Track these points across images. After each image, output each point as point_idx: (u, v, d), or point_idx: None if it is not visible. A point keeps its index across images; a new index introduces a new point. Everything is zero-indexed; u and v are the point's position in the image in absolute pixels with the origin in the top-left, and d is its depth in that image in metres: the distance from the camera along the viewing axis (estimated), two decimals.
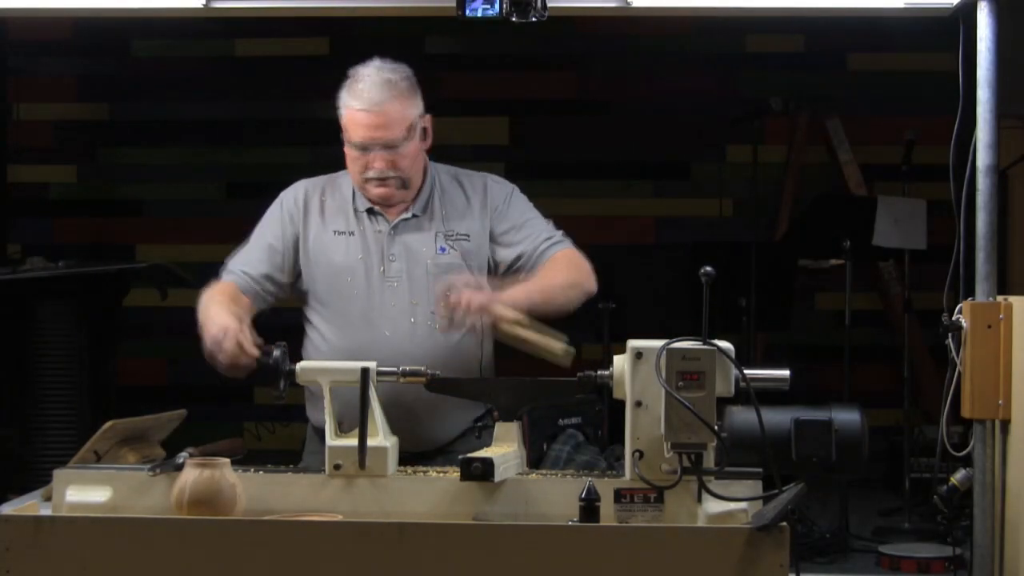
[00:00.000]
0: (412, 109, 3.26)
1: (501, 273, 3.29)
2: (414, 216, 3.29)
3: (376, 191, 3.23)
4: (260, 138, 7.26)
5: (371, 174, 3.21)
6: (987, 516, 3.04)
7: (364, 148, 3.19)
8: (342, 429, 2.79)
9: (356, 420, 2.74)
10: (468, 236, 3.29)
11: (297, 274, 3.30)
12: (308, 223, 3.30)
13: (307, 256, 3.28)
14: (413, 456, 3.00)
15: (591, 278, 3.32)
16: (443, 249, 3.26)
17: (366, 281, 3.22)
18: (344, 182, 3.35)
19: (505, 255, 3.32)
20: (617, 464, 4.18)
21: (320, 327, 3.28)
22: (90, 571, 2.37)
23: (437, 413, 3.15)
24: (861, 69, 7.20)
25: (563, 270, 3.29)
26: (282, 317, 7.08)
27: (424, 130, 3.30)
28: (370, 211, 3.29)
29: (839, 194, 6.92)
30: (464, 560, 2.34)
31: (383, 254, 3.25)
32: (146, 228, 7.30)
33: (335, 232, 3.28)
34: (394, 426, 2.83)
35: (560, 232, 3.44)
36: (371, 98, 3.19)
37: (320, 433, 3.10)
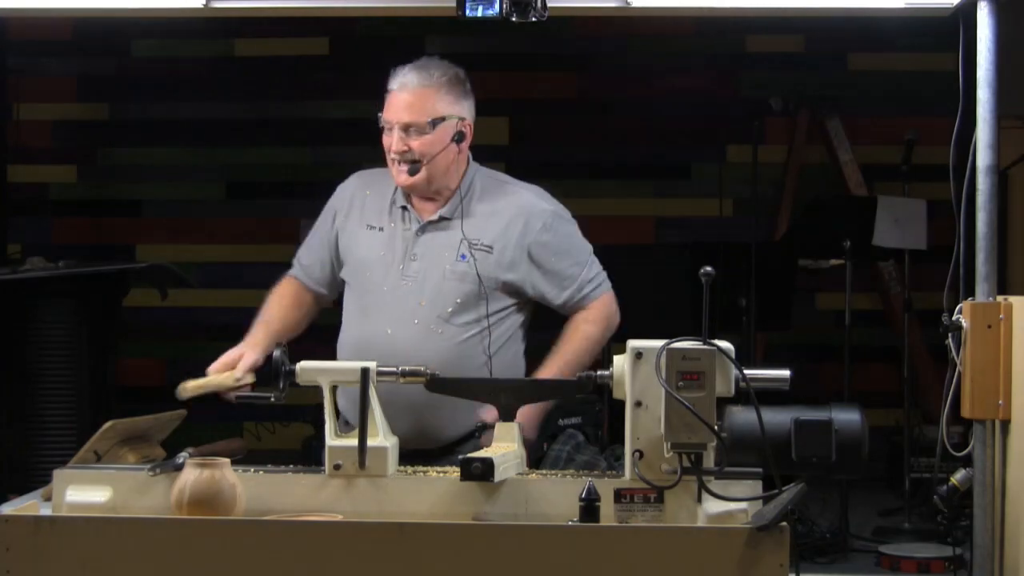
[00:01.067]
0: (446, 105, 3.26)
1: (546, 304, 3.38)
2: (442, 218, 3.28)
3: (401, 177, 3.26)
4: (260, 138, 7.26)
5: (391, 155, 3.27)
6: (987, 516, 3.04)
7: (389, 128, 3.25)
8: (348, 427, 2.84)
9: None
10: (491, 248, 3.25)
11: (338, 266, 3.41)
12: (349, 216, 3.38)
13: (341, 249, 3.39)
14: (418, 454, 3.00)
15: (616, 322, 3.42)
16: (464, 257, 3.24)
17: (383, 278, 3.25)
18: (383, 179, 3.40)
19: (549, 293, 3.34)
20: (617, 464, 4.18)
21: (344, 319, 3.36)
22: (90, 571, 2.37)
23: (442, 411, 3.15)
24: (861, 69, 7.21)
25: (597, 328, 3.36)
26: None
27: (461, 133, 3.29)
28: (404, 208, 3.31)
29: (839, 194, 6.92)
30: (464, 560, 2.34)
31: (406, 252, 3.26)
32: (146, 228, 7.30)
33: (368, 226, 3.33)
34: (399, 423, 2.84)
35: (598, 267, 3.47)
36: (404, 81, 3.25)
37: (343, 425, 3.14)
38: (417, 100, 3.23)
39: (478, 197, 3.33)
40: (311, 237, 3.46)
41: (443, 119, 3.23)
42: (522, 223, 3.29)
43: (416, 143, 3.22)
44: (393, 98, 3.25)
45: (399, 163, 3.24)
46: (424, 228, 3.27)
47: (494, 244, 3.25)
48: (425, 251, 3.25)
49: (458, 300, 3.21)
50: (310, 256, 3.43)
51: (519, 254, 3.26)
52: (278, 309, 3.37)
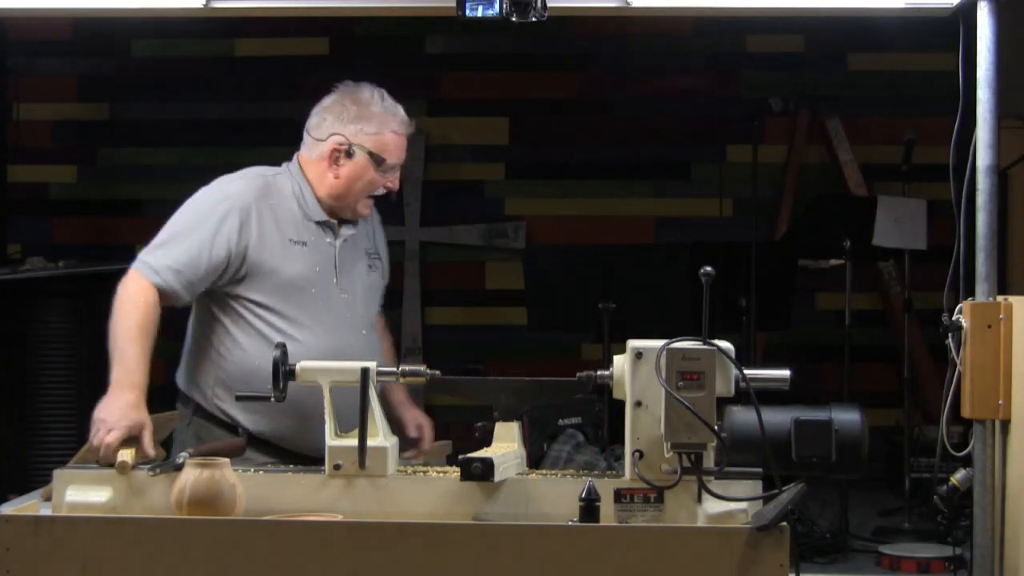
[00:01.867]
0: None
1: None
2: (352, 233, 3.41)
3: (366, 209, 3.38)
4: (260, 138, 7.24)
5: (379, 192, 3.36)
6: (987, 516, 3.04)
7: (391, 168, 3.36)
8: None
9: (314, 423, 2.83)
10: (380, 256, 3.49)
11: (233, 279, 3.25)
12: (262, 228, 3.26)
13: (261, 261, 3.24)
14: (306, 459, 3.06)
15: None
16: (371, 267, 3.44)
17: (326, 292, 3.29)
18: (284, 186, 3.36)
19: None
20: (617, 464, 4.18)
21: (266, 333, 3.23)
22: (90, 571, 2.37)
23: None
24: (861, 69, 7.20)
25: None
26: None
27: None
28: (324, 223, 3.35)
29: (839, 194, 6.91)
30: (464, 560, 2.34)
31: (335, 266, 3.33)
32: (146, 228, 7.23)
33: (291, 241, 3.28)
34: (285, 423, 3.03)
35: None
36: (406, 125, 3.42)
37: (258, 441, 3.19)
38: (405, 143, 3.43)
39: None
40: (195, 242, 3.25)
41: None
42: (382, 232, 3.56)
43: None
44: (397, 140, 3.39)
45: (374, 197, 3.38)
46: (343, 243, 3.36)
47: (380, 252, 3.49)
48: (347, 265, 3.35)
49: (375, 308, 3.45)
50: (193, 265, 3.23)
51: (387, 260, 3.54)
52: (149, 338, 3.19)
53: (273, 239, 3.25)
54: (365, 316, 3.38)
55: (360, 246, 3.42)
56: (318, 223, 3.33)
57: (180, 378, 3.42)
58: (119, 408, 2.89)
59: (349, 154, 3.32)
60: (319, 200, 3.34)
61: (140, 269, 3.23)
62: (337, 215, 3.36)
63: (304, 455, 3.10)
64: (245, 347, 3.24)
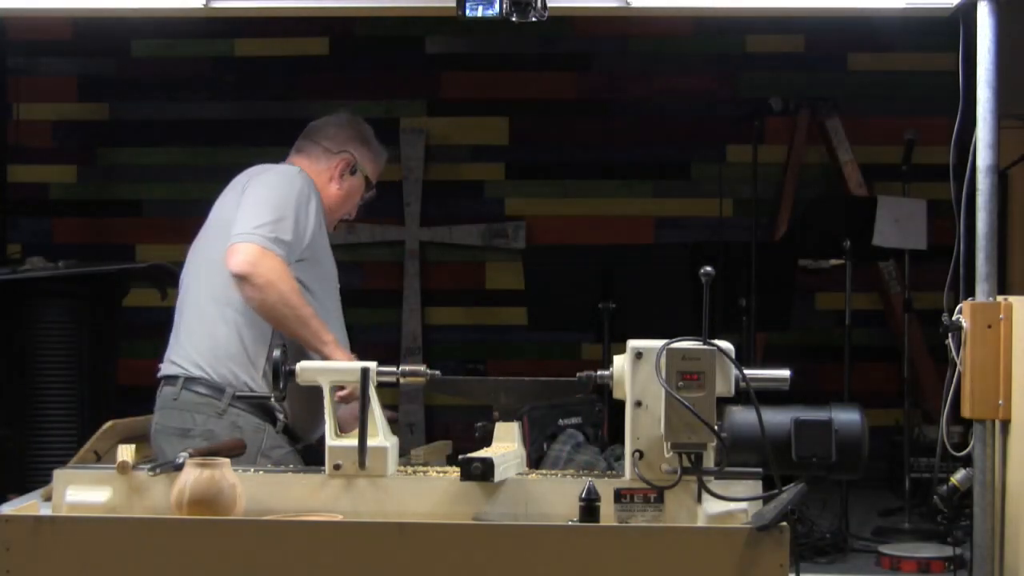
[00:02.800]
0: None
1: None
2: None
3: (353, 211, 3.71)
4: (260, 138, 7.25)
5: (362, 201, 3.71)
6: (987, 516, 3.04)
7: (371, 186, 3.69)
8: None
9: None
10: None
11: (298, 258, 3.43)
12: (320, 218, 3.49)
13: (318, 249, 3.46)
14: None
15: None
16: None
17: (336, 282, 3.58)
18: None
19: None
20: (617, 464, 4.18)
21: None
22: (90, 571, 2.37)
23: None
24: (861, 69, 7.20)
25: None
26: None
27: None
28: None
29: (839, 194, 6.91)
30: (464, 560, 2.34)
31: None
32: (146, 228, 7.30)
33: (327, 233, 3.57)
34: None
35: None
36: (383, 155, 3.76)
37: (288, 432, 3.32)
38: None
39: None
40: (292, 217, 3.36)
41: None
42: None
43: None
44: (380, 166, 3.73)
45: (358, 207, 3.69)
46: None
47: None
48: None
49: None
50: (296, 238, 3.36)
51: None
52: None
53: (321, 229, 3.49)
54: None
55: None
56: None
57: (206, 368, 3.37)
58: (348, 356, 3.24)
59: (353, 172, 3.61)
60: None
61: (266, 245, 3.29)
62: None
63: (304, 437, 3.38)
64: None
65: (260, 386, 3.30)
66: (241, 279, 3.24)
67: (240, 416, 3.29)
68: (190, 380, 3.35)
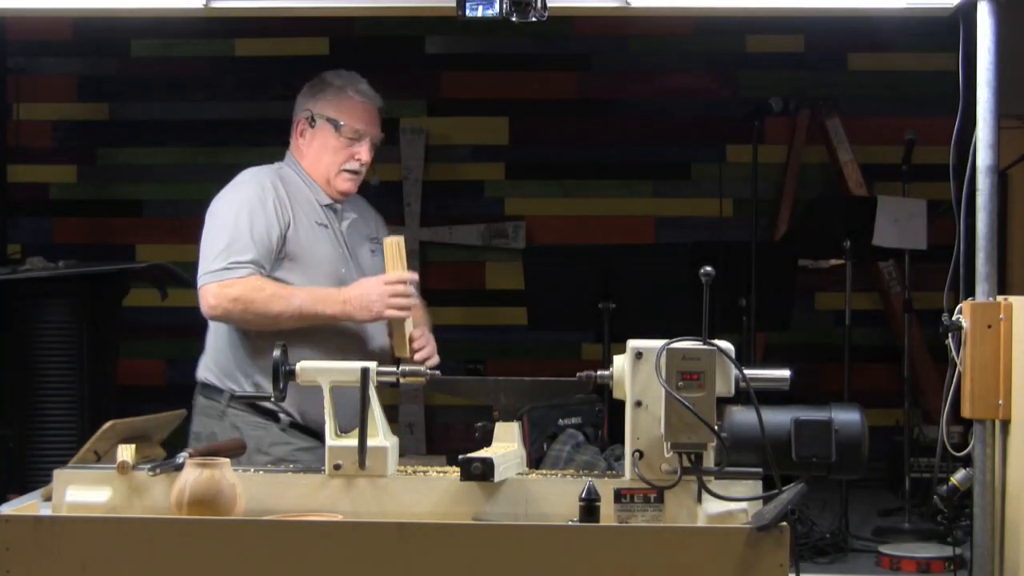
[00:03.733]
0: None
1: None
2: (355, 218, 3.54)
3: (345, 185, 3.47)
4: (260, 138, 7.24)
5: (352, 165, 3.46)
6: (987, 516, 3.04)
7: (357, 138, 3.45)
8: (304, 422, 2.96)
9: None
10: (379, 240, 3.54)
11: (276, 259, 3.36)
12: (295, 207, 3.40)
13: (297, 242, 3.36)
14: None
15: None
16: (373, 252, 3.54)
17: (341, 273, 3.41)
18: (292, 176, 3.48)
19: None
20: (617, 464, 4.18)
21: None
22: (90, 571, 2.37)
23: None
24: (861, 69, 7.20)
25: None
26: None
27: None
28: (329, 207, 3.48)
29: (839, 194, 6.92)
30: (464, 560, 2.34)
31: (349, 247, 3.48)
32: (146, 228, 7.30)
33: (315, 222, 3.42)
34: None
35: None
36: (372, 95, 3.52)
37: (300, 427, 3.31)
38: (378, 117, 3.53)
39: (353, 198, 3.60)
40: (261, 227, 3.33)
41: None
42: (382, 221, 3.69)
43: (371, 157, 3.50)
44: (361, 109, 3.50)
45: (350, 172, 3.46)
46: (348, 227, 3.49)
47: (379, 238, 3.55)
48: (354, 249, 3.50)
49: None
50: (260, 250, 3.31)
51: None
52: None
53: (303, 222, 3.39)
54: None
55: (361, 231, 3.55)
56: (327, 207, 3.47)
57: (208, 372, 3.44)
58: (365, 296, 3.24)
59: (312, 123, 3.49)
60: (319, 185, 3.49)
61: (221, 277, 3.26)
62: (337, 200, 3.50)
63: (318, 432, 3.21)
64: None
65: (262, 384, 3.31)
66: (218, 320, 3.31)
67: (238, 416, 3.33)
68: (201, 385, 3.46)
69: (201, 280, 3.29)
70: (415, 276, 3.32)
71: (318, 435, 3.26)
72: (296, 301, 3.25)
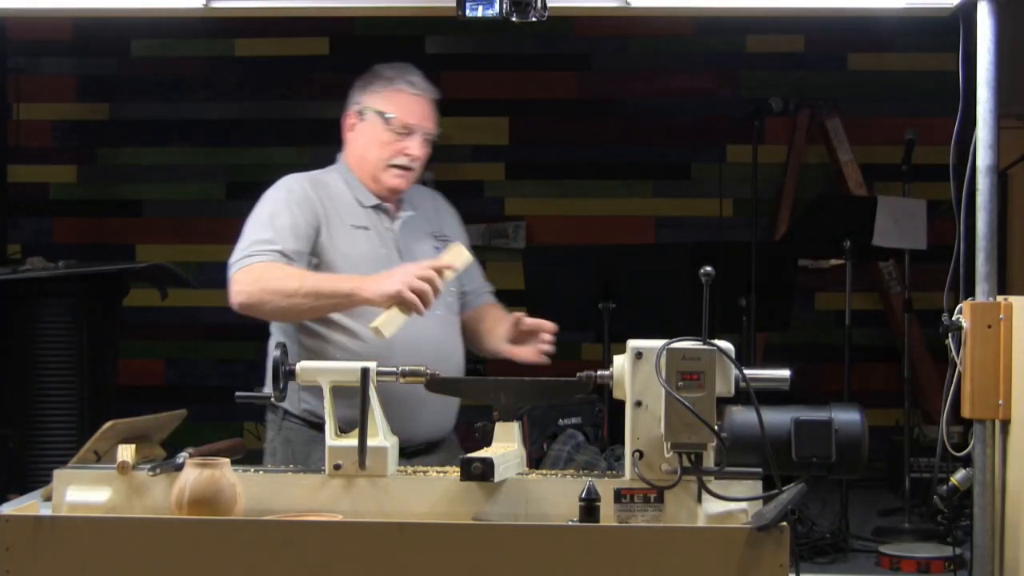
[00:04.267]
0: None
1: None
2: (411, 215, 3.39)
3: (395, 180, 3.32)
4: (260, 138, 7.26)
5: (402, 160, 3.31)
6: (987, 516, 3.04)
7: (408, 132, 3.31)
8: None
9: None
10: (449, 237, 3.42)
11: (309, 265, 3.23)
12: (327, 211, 3.28)
13: (331, 246, 3.24)
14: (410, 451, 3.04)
15: None
16: (438, 249, 3.35)
17: None
18: (336, 179, 3.38)
19: (474, 282, 3.51)
20: (617, 464, 4.18)
21: (345, 323, 3.21)
22: (90, 571, 2.37)
23: (427, 407, 3.18)
24: (861, 69, 7.21)
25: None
26: None
27: None
28: (376, 207, 3.34)
29: (839, 194, 6.92)
30: (464, 560, 2.34)
31: (396, 249, 3.32)
32: (146, 228, 7.31)
33: (352, 226, 3.29)
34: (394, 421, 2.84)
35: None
36: (425, 88, 3.36)
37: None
38: (431, 110, 3.36)
39: (417, 193, 3.46)
40: (273, 223, 3.22)
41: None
42: (456, 218, 3.55)
43: (424, 152, 3.34)
44: (412, 101, 3.34)
45: (400, 167, 3.31)
46: (401, 225, 3.36)
47: (451, 235, 3.43)
48: (409, 247, 3.34)
49: (452, 288, 3.34)
50: (284, 237, 3.19)
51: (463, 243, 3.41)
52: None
53: (337, 226, 3.27)
54: (439, 300, 3.20)
55: (422, 228, 3.40)
56: (373, 208, 3.33)
57: (267, 386, 3.34)
58: (385, 275, 3.04)
59: (361, 117, 3.36)
60: (366, 186, 3.35)
61: (244, 263, 3.17)
62: (387, 198, 3.35)
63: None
64: (328, 339, 3.22)
65: (297, 408, 3.24)
66: (244, 310, 3.17)
67: (292, 430, 3.26)
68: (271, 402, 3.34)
69: (229, 274, 3.20)
70: (455, 268, 3.14)
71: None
72: (311, 279, 3.12)
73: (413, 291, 2.98)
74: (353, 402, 2.71)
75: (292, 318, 3.18)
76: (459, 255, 3.16)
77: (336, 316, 3.20)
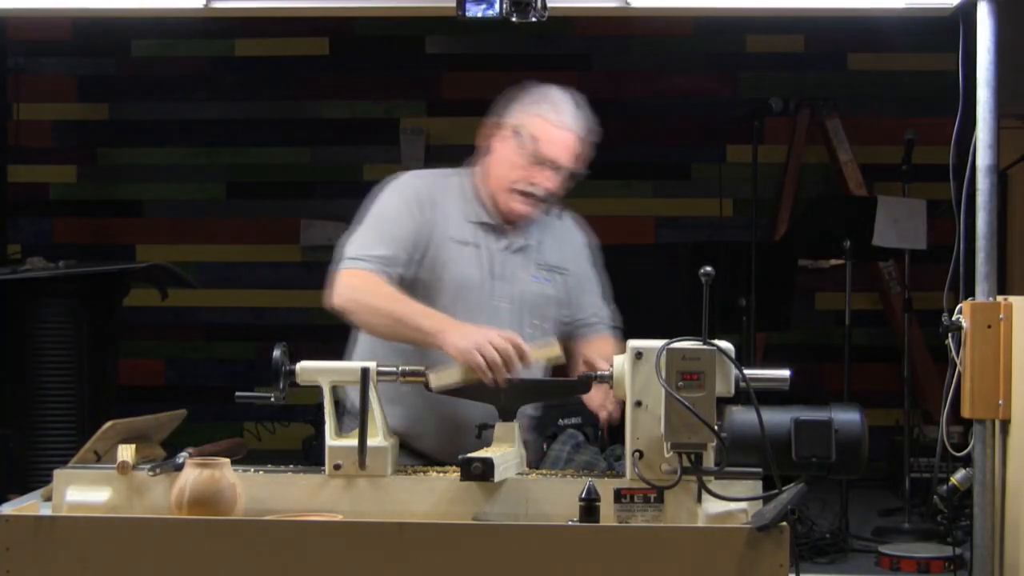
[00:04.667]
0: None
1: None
2: (523, 244, 3.22)
3: (517, 206, 3.16)
4: (260, 138, 7.26)
5: (529, 188, 3.14)
6: (987, 516, 3.04)
7: (541, 163, 3.14)
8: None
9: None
10: (566, 269, 3.26)
11: (409, 274, 3.13)
12: (435, 223, 3.16)
13: (431, 259, 3.14)
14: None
15: None
16: (536, 278, 3.22)
17: (479, 297, 3.14)
18: (454, 186, 3.25)
19: (578, 313, 3.32)
20: (617, 464, 4.18)
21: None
22: (90, 571, 2.37)
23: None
24: (861, 69, 7.21)
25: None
26: (282, 317, 7.11)
27: None
28: (488, 225, 3.20)
29: (839, 194, 6.92)
30: (464, 560, 2.34)
31: (494, 273, 3.17)
32: (146, 228, 7.31)
33: (454, 240, 3.16)
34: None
35: (607, 308, 3.38)
36: (574, 124, 3.21)
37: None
38: (577, 147, 3.21)
39: (542, 219, 3.28)
40: (383, 228, 3.13)
41: None
42: (584, 251, 3.35)
43: (557, 186, 3.18)
44: (557, 134, 3.17)
45: (528, 196, 3.15)
46: (509, 248, 3.20)
47: (566, 265, 3.26)
48: (510, 273, 3.19)
49: (535, 322, 3.19)
50: (392, 246, 3.09)
51: (580, 278, 3.29)
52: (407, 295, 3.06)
53: (440, 237, 3.15)
54: (520, 328, 3.10)
55: (533, 258, 3.23)
56: (481, 224, 3.19)
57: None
58: (471, 330, 2.87)
59: (501, 130, 3.21)
60: (483, 201, 3.21)
61: (350, 266, 3.09)
62: (505, 220, 3.20)
63: (439, 460, 2.96)
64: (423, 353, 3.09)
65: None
66: (338, 309, 3.08)
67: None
68: None
69: (336, 268, 3.11)
70: (537, 361, 2.95)
71: (423, 455, 3.13)
72: (402, 306, 2.99)
73: (485, 358, 2.80)
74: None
75: (376, 335, 3.10)
76: (549, 351, 2.97)
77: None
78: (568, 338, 3.26)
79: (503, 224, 3.20)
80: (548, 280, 3.24)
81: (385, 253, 3.09)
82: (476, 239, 3.18)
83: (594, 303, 3.35)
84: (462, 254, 3.16)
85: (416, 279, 3.13)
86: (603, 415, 3.04)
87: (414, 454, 3.13)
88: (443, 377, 2.85)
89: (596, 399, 3.04)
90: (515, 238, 3.21)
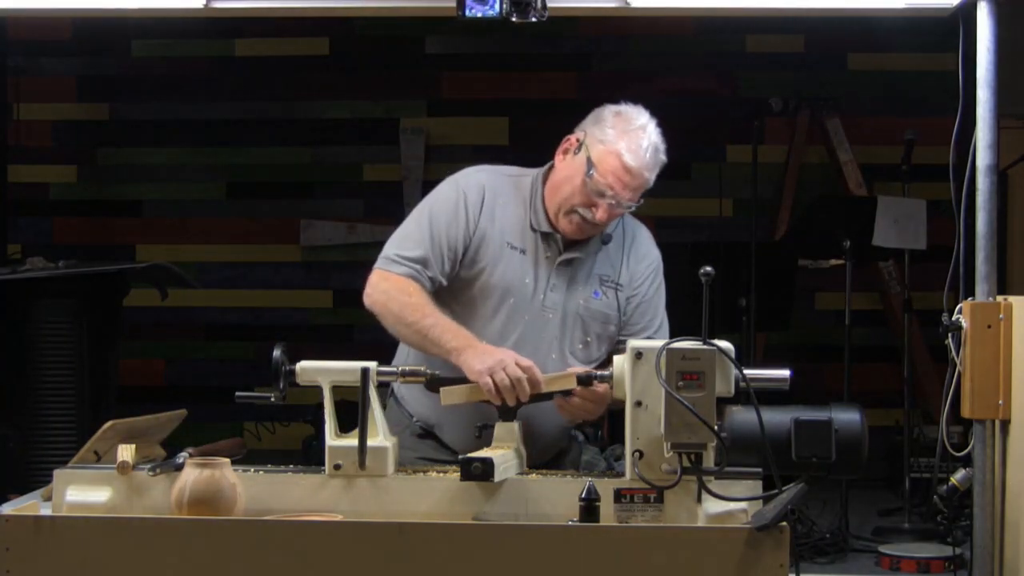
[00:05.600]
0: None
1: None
2: (580, 257, 3.19)
3: (569, 227, 3.13)
4: (260, 138, 7.26)
5: (586, 215, 3.10)
6: (987, 516, 3.04)
7: (601, 195, 3.09)
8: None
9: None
10: (621, 286, 3.20)
11: (451, 274, 3.13)
12: (486, 227, 3.15)
13: (477, 262, 3.13)
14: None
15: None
16: (597, 294, 3.18)
17: (527, 305, 3.12)
18: (523, 187, 3.23)
19: (628, 330, 3.23)
20: (617, 464, 4.19)
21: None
22: (90, 571, 2.37)
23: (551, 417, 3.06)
24: (861, 69, 7.21)
25: None
26: (283, 317, 7.11)
27: None
28: (547, 235, 3.17)
29: (839, 194, 6.92)
30: (464, 560, 2.34)
31: (547, 281, 3.14)
32: (146, 228, 7.30)
33: (509, 245, 3.14)
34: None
35: (664, 329, 3.28)
36: (644, 163, 3.14)
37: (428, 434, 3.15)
38: (640, 184, 3.13)
39: (607, 232, 3.24)
40: (425, 225, 3.13)
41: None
42: (650, 267, 3.25)
43: (612, 217, 3.14)
44: (628, 178, 3.11)
45: (579, 217, 3.11)
46: (565, 260, 3.16)
47: (623, 282, 3.21)
48: (563, 283, 3.16)
49: (587, 338, 3.16)
50: (430, 247, 3.10)
51: (640, 297, 3.21)
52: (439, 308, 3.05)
53: (492, 240, 3.13)
54: (567, 341, 3.14)
55: (591, 272, 3.19)
56: (541, 233, 3.16)
57: None
58: (490, 352, 2.88)
59: (577, 149, 3.19)
60: (547, 210, 3.17)
61: (384, 267, 3.11)
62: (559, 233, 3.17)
63: (464, 452, 2.88)
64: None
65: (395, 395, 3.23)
66: (370, 307, 3.11)
67: (391, 413, 3.18)
68: None
69: (376, 265, 3.14)
70: (554, 391, 2.92)
71: (448, 447, 3.13)
72: (429, 319, 2.99)
73: (496, 382, 2.82)
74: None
75: (402, 341, 3.13)
76: (564, 382, 2.92)
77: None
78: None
79: (562, 235, 3.16)
80: (603, 295, 3.19)
81: (420, 255, 3.08)
82: (533, 246, 3.16)
83: (650, 324, 3.23)
84: (514, 258, 3.14)
85: (459, 277, 3.12)
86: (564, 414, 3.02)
87: (441, 446, 3.16)
88: (453, 394, 2.89)
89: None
90: (574, 250, 3.17)
